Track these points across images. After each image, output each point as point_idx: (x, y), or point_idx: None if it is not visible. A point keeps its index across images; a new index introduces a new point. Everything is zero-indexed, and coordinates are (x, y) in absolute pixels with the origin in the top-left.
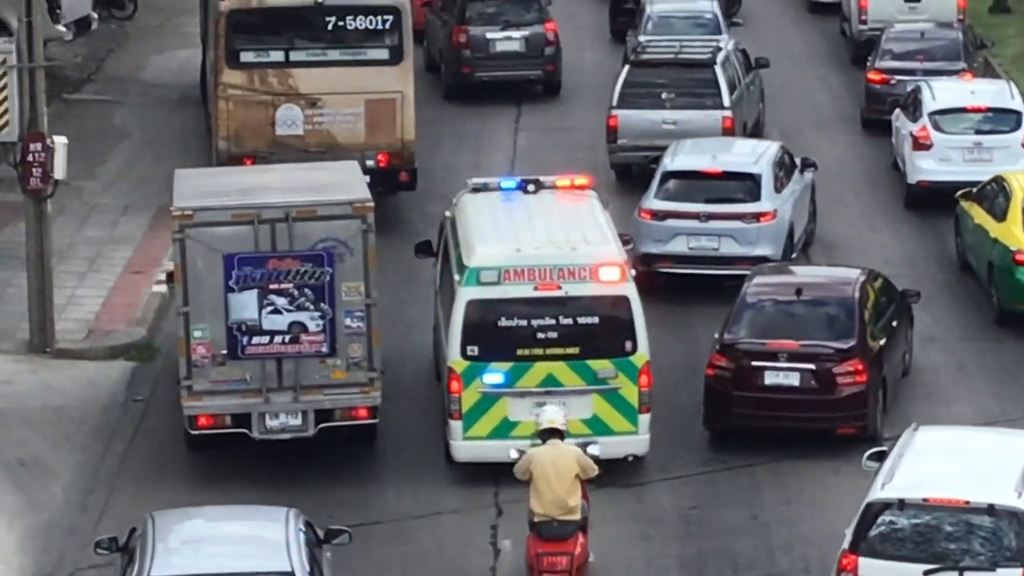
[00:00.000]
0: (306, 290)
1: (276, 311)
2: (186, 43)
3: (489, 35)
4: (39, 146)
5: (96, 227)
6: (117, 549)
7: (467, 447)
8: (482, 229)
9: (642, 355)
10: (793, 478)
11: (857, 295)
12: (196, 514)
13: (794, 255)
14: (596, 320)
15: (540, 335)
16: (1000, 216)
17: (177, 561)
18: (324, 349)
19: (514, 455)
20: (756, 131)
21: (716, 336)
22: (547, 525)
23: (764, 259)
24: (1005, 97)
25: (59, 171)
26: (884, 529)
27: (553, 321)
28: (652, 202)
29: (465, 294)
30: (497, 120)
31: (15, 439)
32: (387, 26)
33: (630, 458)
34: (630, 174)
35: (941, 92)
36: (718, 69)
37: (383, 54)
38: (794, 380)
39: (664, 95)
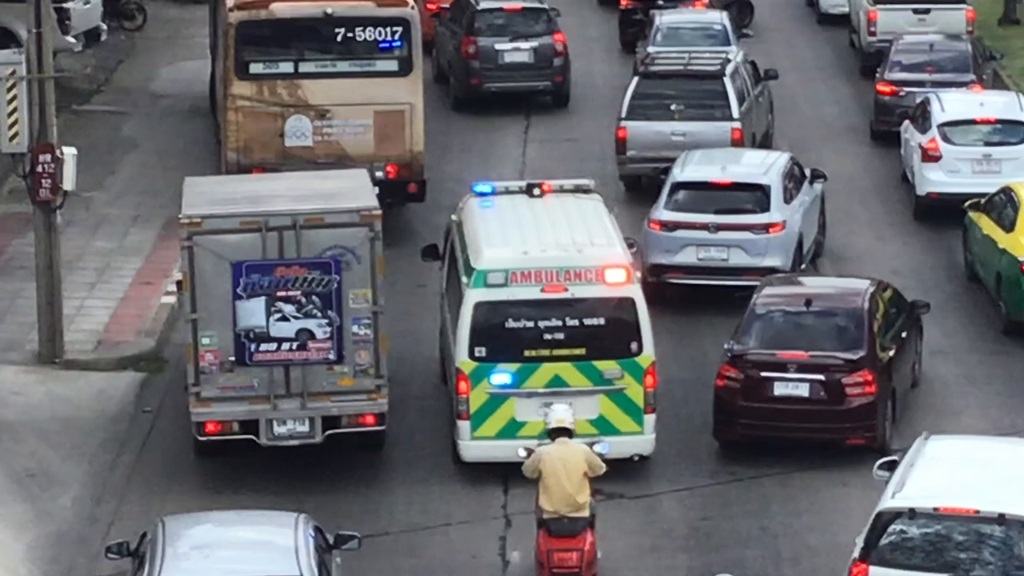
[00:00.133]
0: (314, 297)
1: (284, 318)
2: (195, 54)
3: (498, 46)
4: (48, 157)
5: (105, 238)
6: (128, 554)
7: (475, 447)
8: (489, 232)
9: (647, 356)
10: (802, 490)
11: (866, 306)
12: (206, 519)
13: (803, 266)
14: (602, 321)
15: (547, 336)
16: (1008, 227)
17: (187, 566)
18: (331, 356)
19: (522, 454)
20: (765, 143)
21: (726, 347)
22: (557, 522)
23: (773, 270)
24: (1014, 109)
25: (68, 182)
26: (895, 538)
27: (560, 322)
28: (662, 213)
29: (473, 296)
30: (506, 131)
31: (24, 450)
32: (396, 37)
33: (636, 458)
34: (639, 185)
35: (950, 104)
36: (727, 81)
37: (392, 65)
38: (803, 391)
39: (673, 107)
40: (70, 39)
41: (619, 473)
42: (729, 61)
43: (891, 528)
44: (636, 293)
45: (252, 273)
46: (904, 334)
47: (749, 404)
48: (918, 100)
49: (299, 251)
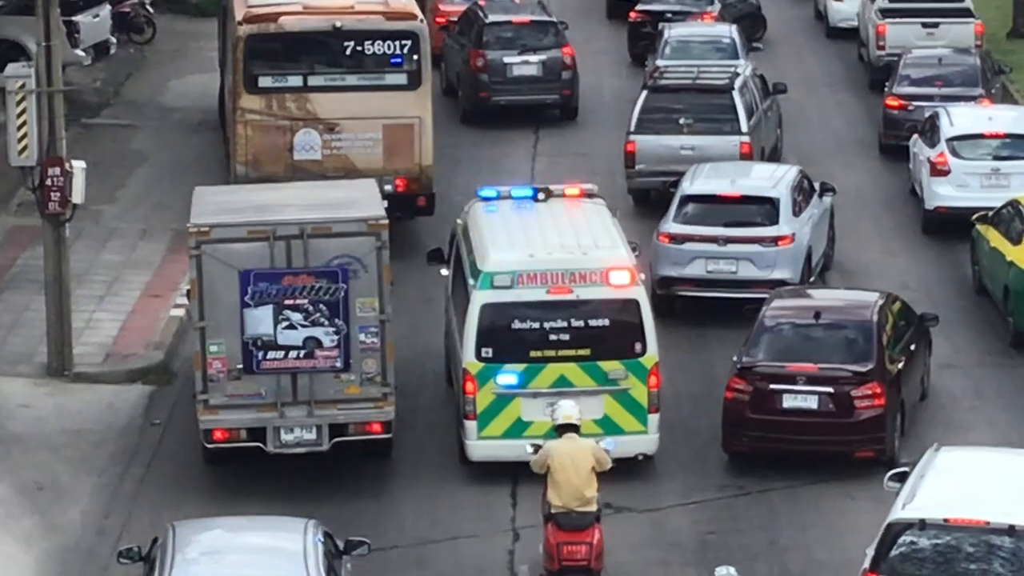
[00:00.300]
0: (321, 306)
1: (291, 326)
2: (204, 68)
3: (507, 59)
4: (58, 170)
5: (114, 251)
6: (140, 559)
7: (482, 446)
8: (495, 235)
9: (651, 356)
10: (810, 504)
11: (875, 318)
12: (216, 524)
13: (812, 279)
14: (606, 322)
15: (552, 337)
16: (1016, 239)
17: (196, 571)
18: (338, 364)
19: (529, 450)
20: (774, 156)
21: (734, 359)
22: (566, 516)
23: (782, 283)
24: (1023, 123)
25: (77, 195)
26: (905, 549)
27: (565, 324)
28: (671, 225)
29: (480, 297)
30: (515, 145)
31: (33, 462)
32: (405, 51)
33: (640, 457)
34: (648, 199)
35: (959, 118)
36: (736, 94)
37: (401, 79)
38: (812, 403)
39: (682, 120)
40: (79, 52)
41: (627, 486)
42: (738, 75)
43: (901, 539)
44: (640, 295)
45: (260, 281)
46: (913, 347)
47: (758, 416)
48: (927, 114)
49: (307, 260)
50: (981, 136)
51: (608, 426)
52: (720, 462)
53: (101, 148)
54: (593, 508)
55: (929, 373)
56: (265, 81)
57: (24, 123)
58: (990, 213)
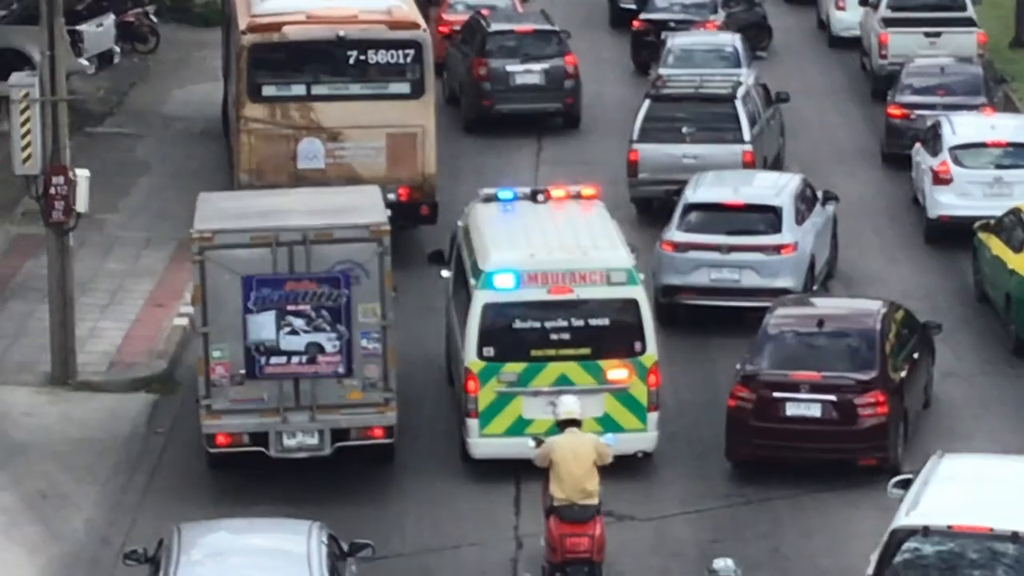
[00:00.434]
0: (323, 311)
1: (293, 332)
2: (208, 77)
3: (509, 68)
4: (61, 179)
5: (118, 260)
6: (146, 560)
7: (484, 444)
8: (496, 236)
9: (651, 355)
10: (813, 512)
11: (879, 327)
12: (220, 526)
13: (815, 288)
14: (607, 322)
15: (553, 336)
16: (1017, 247)
17: (200, 572)
18: (341, 369)
19: (531, 444)
20: (776, 165)
21: (738, 367)
22: (568, 509)
23: (785, 291)
24: None
25: (81, 204)
26: (908, 556)
27: (565, 323)
28: (674, 234)
29: (481, 297)
30: (518, 153)
31: (37, 471)
32: (408, 60)
33: (640, 454)
34: (651, 208)
35: (961, 127)
36: (738, 103)
37: (404, 88)
38: (815, 411)
39: (684, 129)
40: (83, 62)
41: (630, 495)
42: (741, 84)
43: (905, 546)
44: (639, 294)
45: (263, 287)
46: (916, 355)
47: (761, 424)
48: (929, 123)
49: (309, 266)
50: (983, 145)
51: (608, 424)
52: (723, 470)
53: (105, 157)
54: (595, 501)
55: (932, 381)
56: (268, 90)
57: (28, 132)
58: (992, 221)
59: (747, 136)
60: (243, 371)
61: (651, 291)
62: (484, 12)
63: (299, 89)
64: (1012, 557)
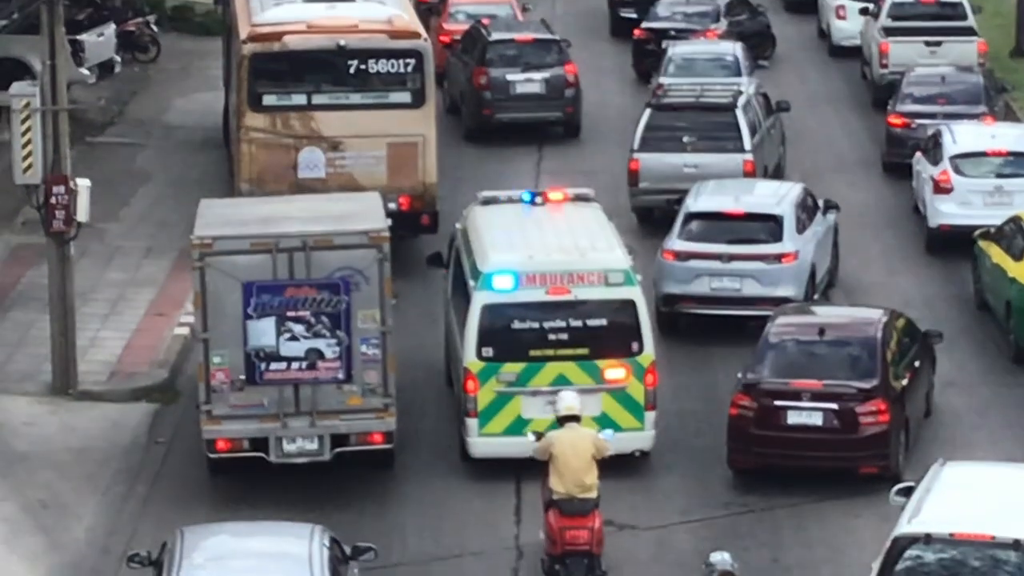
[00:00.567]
0: (323, 317)
1: (293, 338)
2: (209, 86)
3: (510, 77)
4: (62, 189)
5: (119, 269)
6: (149, 563)
7: (483, 443)
8: (495, 238)
9: (648, 355)
10: (814, 521)
11: (880, 335)
12: (223, 529)
13: (816, 296)
14: (604, 322)
15: (551, 337)
16: (1018, 255)
17: (202, 575)
18: (340, 375)
19: (531, 438)
20: (777, 175)
21: (739, 376)
22: (568, 502)
23: (786, 300)
24: None
25: (82, 214)
26: (910, 563)
27: (564, 323)
28: (675, 243)
29: (480, 298)
30: (519, 162)
31: (37, 481)
32: (409, 69)
33: (637, 453)
34: (651, 217)
35: (962, 136)
36: (739, 113)
37: (405, 97)
38: (817, 419)
39: (685, 139)
40: (84, 71)
41: (630, 504)
42: (741, 93)
43: (907, 553)
44: (637, 295)
45: (262, 293)
46: (917, 363)
47: (763, 432)
48: (930, 132)
49: (309, 272)
50: (984, 154)
51: (606, 423)
52: (724, 479)
53: (105, 166)
54: (593, 495)
55: (933, 390)
56: (269, 99)
57: (29, 141)
58: (992, 229)
59: (748, 145)
60: (243, 377)
61: (651, 299)
62: (485, 21)
63: (300, 98)
64: (1014, 565)
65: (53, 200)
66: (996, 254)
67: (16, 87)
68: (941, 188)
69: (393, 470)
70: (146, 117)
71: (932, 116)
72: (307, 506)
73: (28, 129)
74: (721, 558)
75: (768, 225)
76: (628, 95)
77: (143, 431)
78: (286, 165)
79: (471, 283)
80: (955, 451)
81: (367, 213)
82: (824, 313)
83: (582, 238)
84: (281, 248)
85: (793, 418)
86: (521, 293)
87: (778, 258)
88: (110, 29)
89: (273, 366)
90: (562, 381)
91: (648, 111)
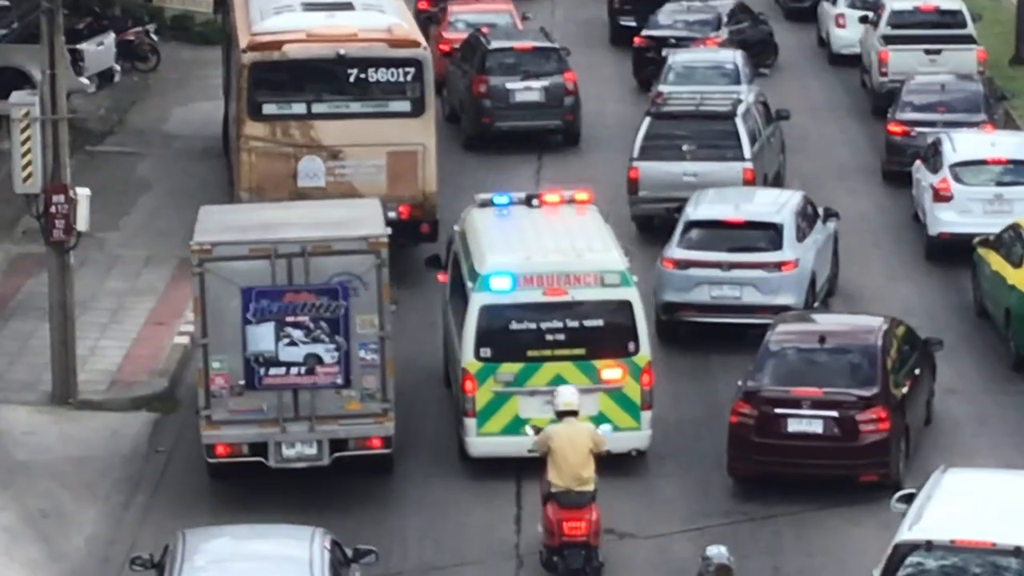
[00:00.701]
0: (321, 323)
1: (292, 343)
2: (208, 95)
3: (509, 85)
4: (62, 198)
5: (119, 278)
6: (151, 566)
7: (481, 443)
8: (492, 239)
9: (644, 356)
10: (814, 529)
11: (880, 343)
12: (224, 532)
13: (816, 304)
14: (601, 323)
15: (549, 337)
16: (1017, 263)
17: None
18: (339, 380)
19: (530, 432)
20: (777, 183)
21: (739, 384)
22: (566, 495)
23: (786, 308)
24: None
25: (82, 223)
26: (912, 570)
27: (561, 324)
28: (675, 251)
29: (479, 299)
30: (518, 170)
31: (37, 490)
32: (409, 78)
33: (634, 452)
34: (651, 226)
35: (962, 144)
36: (739, 121)
37: (405, 106)
38: (817, 427)
39: (685, 147)
40: (84, 80)
41: (631, 512)
42: (741, 101)
43: (908, 560)
44: (633, 295)
45: (261, 299)
46: (917, 371)
47: (763, 440)
48: (930, 140)
49: (307, 277)
50: (984, 162)
51: (602, 422)
52: (724, 488)
53: (105, 175)
54: (591, 488)
55: (933, 397)
56: (269, 108)
57: (28, 151)
58: (991, 237)
59: (747, 153)
60: (242, 382)
61: (651, 308)
62: (484, 30)
63: (299, 107)
64: (1015, 572)
65: (53, 209)
66: (995, 261)
67: (16, 96)
68: (941, 196)
69: (392, 474)
70: (146, 126)
71: (932, 124)
72: (307, 511)
73: (28, 138)
74: (718, 551)
75: (768, 233)
76: (628, 103)
77: (143, 440)
78: (286, 174)
79: (469, 284)
80: (955, 458)
81: (366, 219)
82: (824, 321)
83: (579, 239)
84: (280, 254)
85: (793, 426)
86: (519, 294)
87: (778, 266)
88: (110, 38)
89: (272, 371)
90: (559, 381)
91: (648, 119)
